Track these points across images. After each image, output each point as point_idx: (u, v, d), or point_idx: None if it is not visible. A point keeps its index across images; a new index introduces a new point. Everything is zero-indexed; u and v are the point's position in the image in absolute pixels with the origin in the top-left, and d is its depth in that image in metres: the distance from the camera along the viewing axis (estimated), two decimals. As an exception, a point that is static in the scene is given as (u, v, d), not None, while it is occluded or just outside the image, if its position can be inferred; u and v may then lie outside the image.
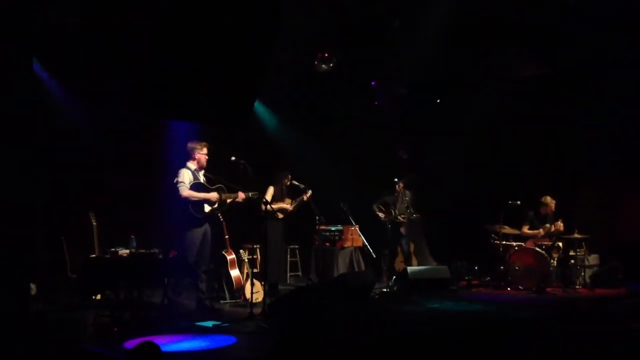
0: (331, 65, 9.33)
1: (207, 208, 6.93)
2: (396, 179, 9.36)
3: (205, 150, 7.00)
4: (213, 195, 6.94)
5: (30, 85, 7.81)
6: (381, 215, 9.30)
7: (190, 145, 7.03)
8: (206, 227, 6.95)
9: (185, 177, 6.81)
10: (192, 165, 6.96)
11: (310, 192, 8.40)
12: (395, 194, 9.41)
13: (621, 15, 7.92)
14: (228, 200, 7.08)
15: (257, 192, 7.23)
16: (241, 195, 7.12)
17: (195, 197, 6.81)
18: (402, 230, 9.33)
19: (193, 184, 6.84)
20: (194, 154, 6.97)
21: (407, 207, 9.22)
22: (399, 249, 9.44)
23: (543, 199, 9.08)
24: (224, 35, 8.24)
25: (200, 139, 7.18)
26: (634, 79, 8.81)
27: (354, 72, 9.91)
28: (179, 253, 6.72)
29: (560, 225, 8.77)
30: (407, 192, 9.37)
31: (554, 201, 9.06)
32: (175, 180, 6.80)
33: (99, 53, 7.64)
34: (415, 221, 9.42)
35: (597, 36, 8.49)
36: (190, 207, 6.77)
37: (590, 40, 8.59)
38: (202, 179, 7.01)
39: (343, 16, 8.41)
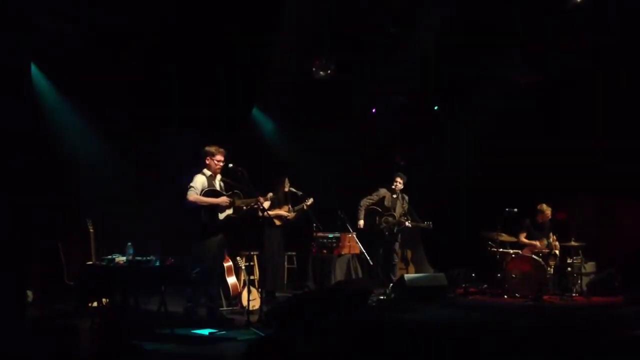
0: (329, 71, 9.33)
1: (221, 215, 6.53)
2: (399, 178, 9.05)
3: (218, 157, 6.56)
4: (222, 200, 6.49)
5: (27, 90, 7.85)
6: (384, 224, 8.90)
7: (205, 149, 6.62)
8: (221, 236, 6.62)
9: (197, 182, 6.44)
10: (207, 171, 6.58)
11: (311, 200, 8.24)
12: (394, 196, 9.10)
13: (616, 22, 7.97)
14: (245, 207, 6.68)
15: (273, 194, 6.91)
16: (261, 200, 6.75)
17: (202, 202, 6.37)
18: (398, 238, 9.18)
19: (206, 190, 6.47)
20: (205, 160, 6.59)
21: (405, 214, 9.02)
22: (396, 257, 9.35)
23: (540, 207, 9.08)
24: (222, 41, 8.24)
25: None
26: (631, 87, 8.83)
27: (351, 78, 9.92)
28: (195, 260, 6.47)
29: (556, 244, 8.80)
30: (405, 196, 9.18)
31: (550, 209, 9.07)
32: (189, 185, 6.45)
33: (96, 58, 7.64)
34: (413, 228, 9.34)
35: (595, 43, 8.52)
36: (202, 213, 6.41)
37: (589, 47, 8.62)
38: (217, 185, 6.62)
39: (341, 22, 8.43)
